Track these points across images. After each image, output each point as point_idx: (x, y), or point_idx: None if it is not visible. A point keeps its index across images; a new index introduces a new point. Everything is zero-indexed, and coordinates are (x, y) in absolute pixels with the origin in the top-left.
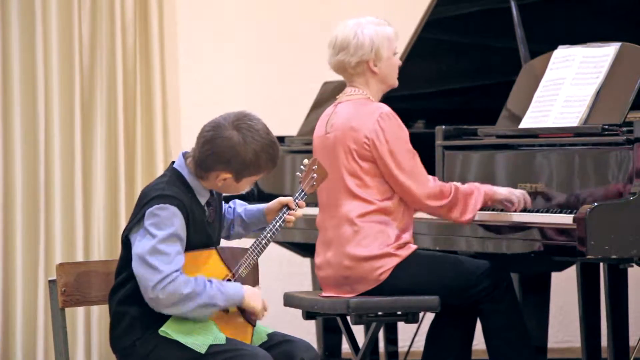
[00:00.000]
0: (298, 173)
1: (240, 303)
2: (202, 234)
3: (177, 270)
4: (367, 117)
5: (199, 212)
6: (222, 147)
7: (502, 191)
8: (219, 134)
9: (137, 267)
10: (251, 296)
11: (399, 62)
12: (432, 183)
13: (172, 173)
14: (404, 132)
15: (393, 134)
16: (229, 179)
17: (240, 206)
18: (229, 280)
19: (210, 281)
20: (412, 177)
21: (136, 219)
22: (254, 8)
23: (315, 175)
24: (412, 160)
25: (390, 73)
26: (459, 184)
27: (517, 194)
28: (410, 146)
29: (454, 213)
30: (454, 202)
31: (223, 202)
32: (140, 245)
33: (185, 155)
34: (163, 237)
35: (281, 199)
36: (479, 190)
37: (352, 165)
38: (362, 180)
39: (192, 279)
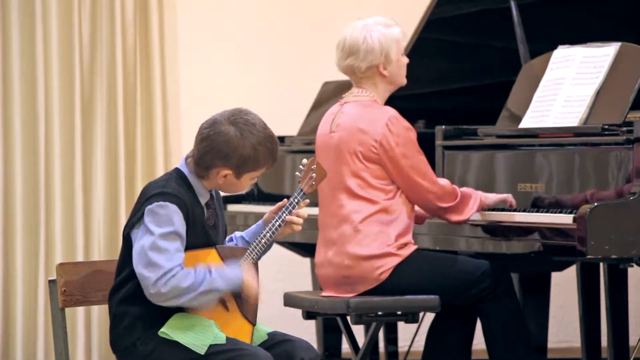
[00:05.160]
0: (297, 173)
1: (240, 286)
2: (201, 233)
3: (178, 265)
4: (376, 120)
5: (199, 212)
6: (220, 143)
7: (492, 197)
8: (216, 129)
9: (137, 263)
10: (249, 282)
11: (406, 60)
12: (444, 182)
13: (175, 172)
14: (413, 134)
15: (404, 137)
16: (229, 176)
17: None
18: None
19: (209, 271)
20: (426, 178)
21: (136, 217)
22: (254, 8)
23: (314, 174)
24: (423, 161)
25: (399, 73)
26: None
27: (506, 198)
28: (418, 147)
29: (456, 214)
30: (459, 204)
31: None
32: (140, 242)
33: (186, 157)
34: (163, 234)
35: (274, 208)
36: (476, 194)
37: (356, 166)
38: (364, 181)
39: (191, 272)
